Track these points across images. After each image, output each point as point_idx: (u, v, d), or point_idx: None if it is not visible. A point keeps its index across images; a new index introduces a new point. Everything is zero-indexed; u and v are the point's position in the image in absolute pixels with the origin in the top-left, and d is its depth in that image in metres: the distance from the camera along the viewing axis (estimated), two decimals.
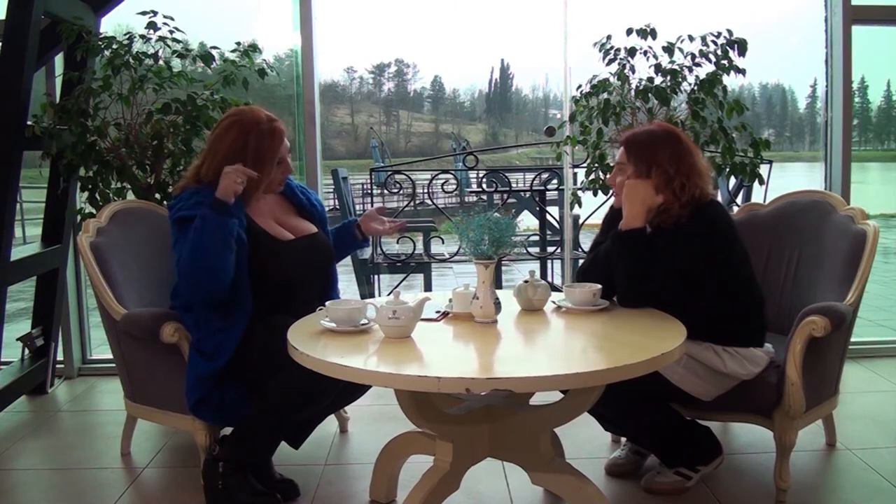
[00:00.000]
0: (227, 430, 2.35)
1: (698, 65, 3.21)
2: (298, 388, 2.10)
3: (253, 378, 2.25)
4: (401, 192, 4.62)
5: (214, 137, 2.31)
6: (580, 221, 4.62)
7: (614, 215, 2.34)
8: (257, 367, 2.22)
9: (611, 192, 2.54)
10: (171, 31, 3.19)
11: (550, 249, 4.71)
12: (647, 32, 3.21)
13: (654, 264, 2.16)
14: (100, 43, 3.17)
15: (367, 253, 4.88)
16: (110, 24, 3.54)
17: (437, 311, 2.14)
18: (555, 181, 4.76)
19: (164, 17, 3.17)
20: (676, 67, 3.20)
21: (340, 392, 2.24)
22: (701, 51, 3.20)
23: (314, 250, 2.40)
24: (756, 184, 3.38)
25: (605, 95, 3.29)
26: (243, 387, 2.27)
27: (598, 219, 2.56)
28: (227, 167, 2.18)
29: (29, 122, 3.08)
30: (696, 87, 3.21)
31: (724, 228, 2.21)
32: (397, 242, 5.52)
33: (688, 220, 2.17)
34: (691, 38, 3.21)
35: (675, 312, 2.11)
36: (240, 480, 2.18)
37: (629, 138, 2.29)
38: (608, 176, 2.39)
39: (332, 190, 5.77)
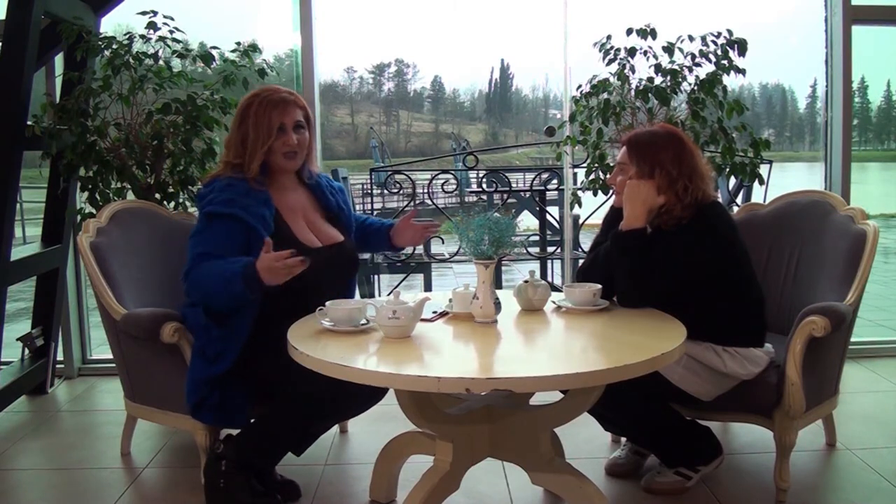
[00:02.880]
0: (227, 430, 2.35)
1: (698, 65, 3.21)
2: (313, 402, 2.07)
3: (258, 382, 2.24)
4: (401, 192, 4.62)
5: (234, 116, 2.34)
6: (580, 221, 4.62)
7: (615, 215, 2.34)
8: (264, 372, 2.21)
9: (611, 191, 2.54)
10: (171, 32, 3.19)
11: (550, 249, 4.71)
12: (647, 32, 3.21)
13: (655, 265, 2.16)
14: (100, 43, 3.17)
15: (367, 253, 4.88)
16: (110, 24, 3.54)
17: (434, 312, 2.14)
18: (555, 181, 4.76)
19: (164, 17, 3.17)
20: (676, 67, 3.20)
21: (355, 405, 2.22)
22: (701, 51, 3.20)
23: (338, 260, 2.35)
24: (756, 184, 3.38)
25: (605, 95, 3.28)
26: (246, 389, 2.25)
27: (598, 219, 2.56)
28: (276, 264, 2.01)
29: (29, 122, 3.08)
30: (696, 87, 3.21)
31: (726, 230, 2.21)
32: None
33: (689, 221, 2.17)
34: (691, 39, 3.21)
35: (676, 312, 2.11)
36: (241, 480, 2.17)
37: (632, 139, 2.29)
38: (609, 175, 2.39)
39: None
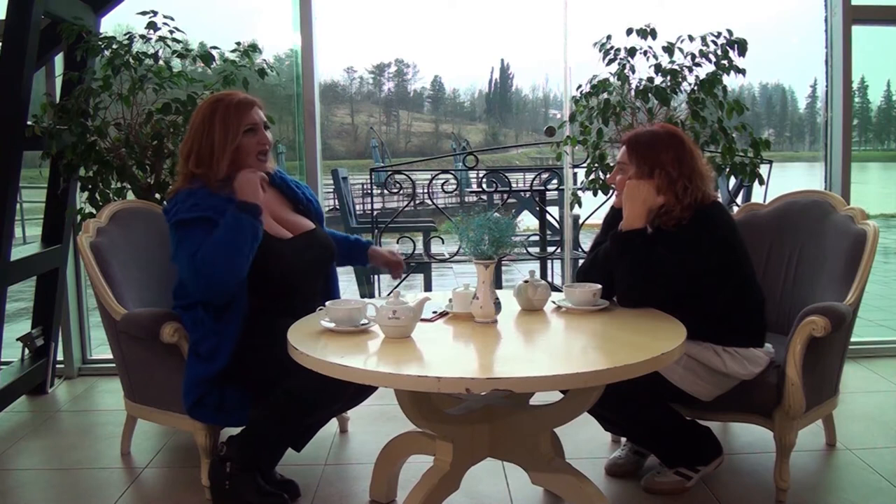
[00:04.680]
0: (228, 430, 2.35)
1: (698, 65, 3.22)
2: (309, 393, 2.09)
3: (254, 380, 2.24)
4: (401, 192, 4.63)
5: (189, 125, 2.31)
6: (580, 221, 4.62)
7: (615, 215, 2.34)
8: (259, 371, 2.22)
9: (611, 191, 2.54)
10: (171, 32, 3.19)
11: (550, 249, 4.71)
12: (647, 32, 3.21)
13: (656, 266, 2.16)
14: (100, 43, 3.17)
15: None
16: (110, 24, 3.55)
17: (434, 312, 2.14)
18: (555, 181, 4.76)
19: (164, 17, 3.18)
20: (676, 67, 3.21)
21: (349, 397, 2.24)
22: (701, 51, 3.20)
23: (313, 248, 2.37)
24: (756, 184, 3.38)
25: (605, 95, 3.29)
26: (243, 388, 2.26)
27: (598, 219, 2.56)
28: (242, 172, 2.15)
29: (29, 122, 3.09)
30: (696, 87, 3.21)
31: (726, 231, 2.21)
32: (397, 242, 5.52)
33: (689, 222, 2.17)
34: (691, 38, 3.22)
35: (676, 312, 2.11)
36: (247, 481, 2.18)
37: (632, 138, 2.29)
38: (608, 175, 2.39)
39: (332, 190, 5.77)
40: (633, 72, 3.27)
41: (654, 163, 2.19)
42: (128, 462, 2.67)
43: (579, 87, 3.38)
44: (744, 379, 2.22)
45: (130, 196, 3.20)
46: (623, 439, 2.59)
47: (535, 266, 4.49)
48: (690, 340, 1.99)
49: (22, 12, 2.94)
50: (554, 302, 2.26)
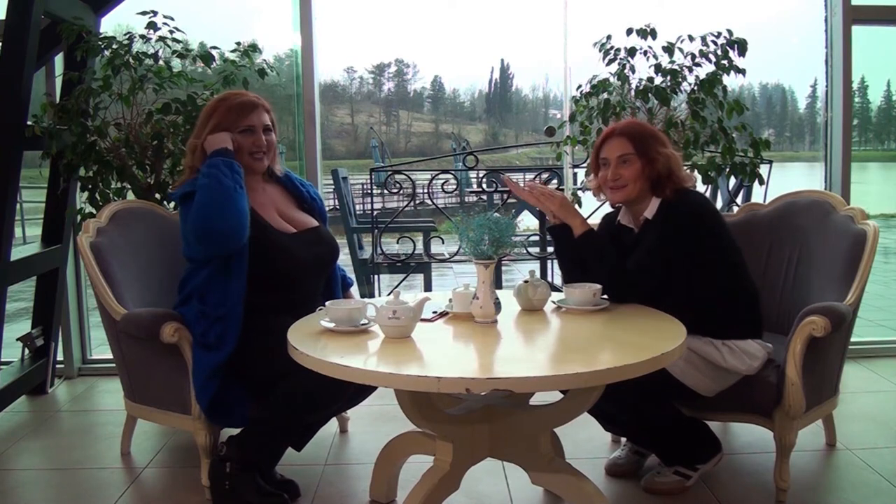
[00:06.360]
0: (228, 430, 2.35)
1: (698, 65, 3.22)
2: (308, 393, 2.09)
3: (255, 380, 2.24)
4: (401, 192, 4.62)
5: (197, 121, 2.39)
6: None
7: (610, 220, 2.38)
8: (259, 370, 2.22)
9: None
10: (171, 32, 3.19)
11: (550, 249, 4.70)
12: (647, 32, 3.22)
13: (645, 256, 2.19)
14: (100, 43, 3.17)
15: (367, 253, 4.88)
16: (110, 24, 3.55)
17: (434, 312, 2.14)
18: (555, 181, 4.76)
19: (164, 17, 3.18)
20: (676, 67, 3.21)
21: (348, 396, 2.24)
22: (701, 51, 3.21)
23: (317, 245, 2.39)
24: (756, 184, 3.38)
25: (605, 95, 3.29)
26: (245, 388, 2.26)
27: (597, 219, 2.56)
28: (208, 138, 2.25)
29: (29, 122, 3.09)
30: (696, 87, 3.21)
31: (711, 221, 2.24)
32: (397, 242, 5.52)
33: (673, 211, 2.21)
34: (691, 38, 3.22)
35: (672, 307, 2.12)
36: (247, 481, 2.18)
37: (631, 130, 2.30)
38: (599, 175, 2.34)
39: (332, 190, 5.76)
40: (633, 72, 3.27)
41: (655, 152, 2.23)
42: (128, 462, 2.67)
43: (579, 87, 3.38)
44: (744, 374, 2.23)
45: (130, 196, 3.20)
46: (623, 439, 2.59)
47: (535, 266, 4.49)
48: (690, 335, 1.99)
49: (22, 12, 2.94)
50: (554, 302, 2.26)
